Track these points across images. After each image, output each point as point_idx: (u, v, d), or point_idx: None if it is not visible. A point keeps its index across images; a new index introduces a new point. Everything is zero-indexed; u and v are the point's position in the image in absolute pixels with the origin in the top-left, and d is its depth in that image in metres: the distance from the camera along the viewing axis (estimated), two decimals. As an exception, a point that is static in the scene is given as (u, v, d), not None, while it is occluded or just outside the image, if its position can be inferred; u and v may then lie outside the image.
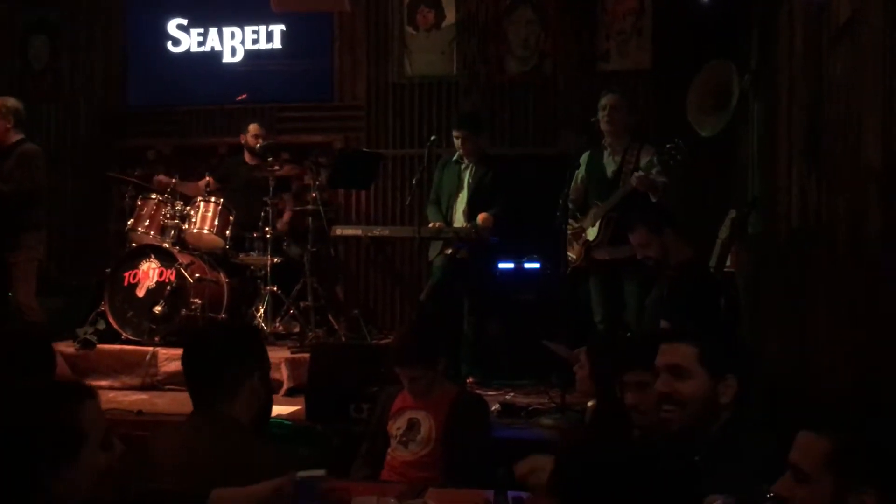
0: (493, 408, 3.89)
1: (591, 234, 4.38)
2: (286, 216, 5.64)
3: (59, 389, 1.49)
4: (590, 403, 2.77)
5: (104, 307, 4.99)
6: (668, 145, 4.02)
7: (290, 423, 3.70)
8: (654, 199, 4.22)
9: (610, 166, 4.41)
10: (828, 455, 1.34)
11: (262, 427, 2.20)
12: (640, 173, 4.10)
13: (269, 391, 2.18)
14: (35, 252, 4.75)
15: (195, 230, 5.24)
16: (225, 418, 1.97)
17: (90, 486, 1.40)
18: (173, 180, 5.33)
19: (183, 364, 2.07)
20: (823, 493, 1.33)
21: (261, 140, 5.51)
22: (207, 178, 5.60)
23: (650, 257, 3.65)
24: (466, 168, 4.90)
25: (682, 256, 3.60)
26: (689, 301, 3.39)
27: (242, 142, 5.63)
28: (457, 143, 4.88)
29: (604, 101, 4.40)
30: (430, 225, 4.85)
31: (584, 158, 4.46)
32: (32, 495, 1.33)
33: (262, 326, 5.02)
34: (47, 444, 1.37)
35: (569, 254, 4.31)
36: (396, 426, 2.83)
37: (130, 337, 4.92)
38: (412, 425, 2.80)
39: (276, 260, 5.19)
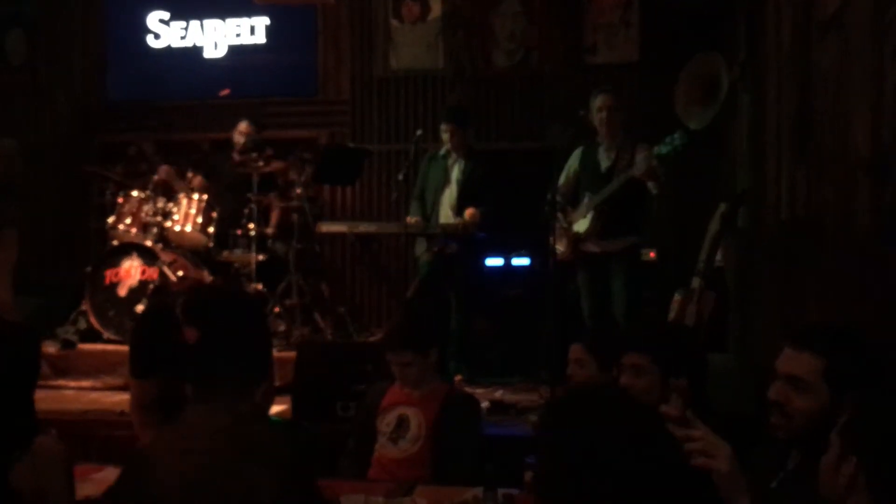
0: (483, 405, 3.84)
1: (582, 226, 4.34)
2: (274, 218, 5.49)
3: None
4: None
5: (85, 306, 4.92)
6: (669, 136, 3.96)
7: (279, 420, 3.66)
8: (654, 191, 4.18)
9: (604, 162, 4.37)
10: None
11: None
12: (651, 162, 4.02)
13: None
14: (11, 251, 4.63)
15: (178, 228, 5.16)
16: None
17: None
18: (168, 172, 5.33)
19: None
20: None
21: (244, 138, 5.43)
22: (190, 176, 5.51)
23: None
24: (454, 163, 4.85)
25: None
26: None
27: (235, 138, 5.54)
28: (444, 137, 4.83)
29: (599, 102, 4.31)
30: (409, 220, 4.79)
31: (577, 153, 4.42)
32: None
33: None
34: None
35: (557, 247, 4.28)
36: (385, 422, 2.78)
37: (112, 336, 4.85)
38: (402, 422, 2.76)
39: (260, 257, 5.11)
